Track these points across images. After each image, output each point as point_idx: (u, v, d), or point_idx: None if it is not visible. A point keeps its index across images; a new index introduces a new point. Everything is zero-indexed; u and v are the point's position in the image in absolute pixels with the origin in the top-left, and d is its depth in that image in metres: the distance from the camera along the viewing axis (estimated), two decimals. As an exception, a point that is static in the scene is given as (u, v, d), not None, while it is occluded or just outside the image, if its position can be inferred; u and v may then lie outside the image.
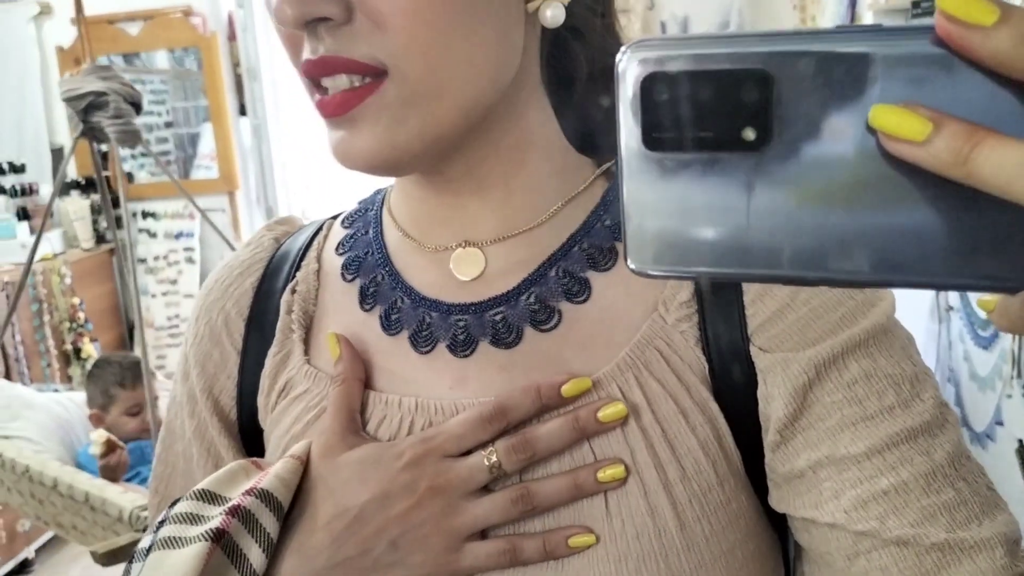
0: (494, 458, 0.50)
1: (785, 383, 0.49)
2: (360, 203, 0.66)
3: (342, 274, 0.61)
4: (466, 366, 0.54)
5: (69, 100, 1.89)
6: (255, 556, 0.49)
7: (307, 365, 0.58)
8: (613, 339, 0.53)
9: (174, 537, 0.49)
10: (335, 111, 0.48)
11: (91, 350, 3.54)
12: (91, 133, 1.95)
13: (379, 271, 0.59)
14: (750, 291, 0.51)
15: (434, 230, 0.57)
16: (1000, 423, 1.51)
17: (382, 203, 0.63)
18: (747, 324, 0.51)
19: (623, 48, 0.29)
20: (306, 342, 0.59)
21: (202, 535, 0.48)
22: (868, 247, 0.27)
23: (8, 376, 3.09)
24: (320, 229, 0.65)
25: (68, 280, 3.49)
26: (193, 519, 0.51)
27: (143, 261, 3.91)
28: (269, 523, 0.50)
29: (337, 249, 0.62)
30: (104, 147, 2.27)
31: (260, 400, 0.60)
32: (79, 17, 1.97)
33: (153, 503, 0.66)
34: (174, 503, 0.53)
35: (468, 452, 0.51)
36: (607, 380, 0.51)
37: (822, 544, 0.49)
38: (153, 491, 0.66)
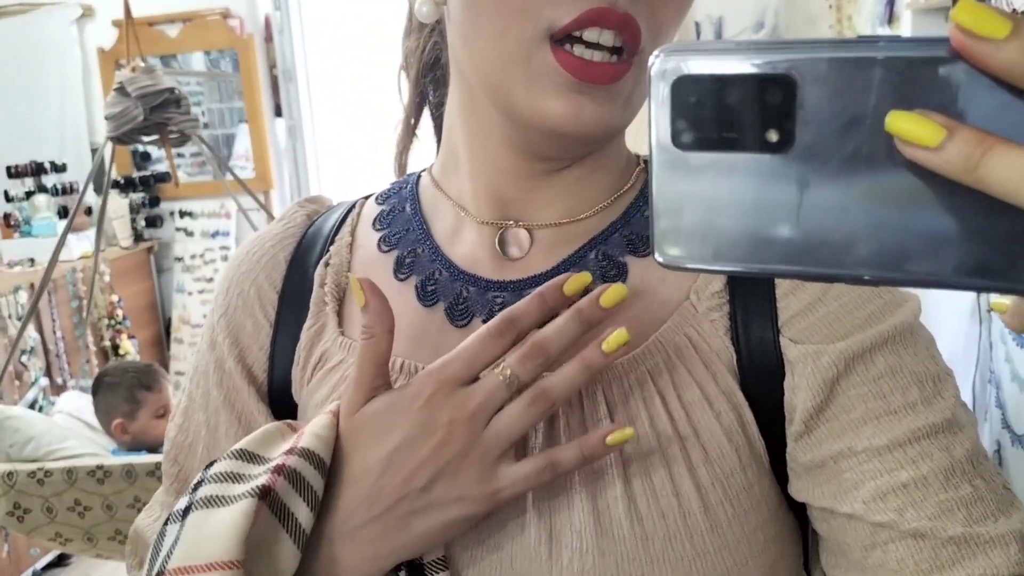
0: (508, 372, 0.48)
1: (815, 374, 0.50)
2: (393, 183, 0.67)
3: (378, 245, 0.61)
4: None
5: (143, 96, 1.92)
6: (303, 515, 0.47)
7: (341, 336, 0.59)
8: (644, 323, 0.54)
9: (217, 496, 0.48)
10: (600, 79, 0.48)
11: (129, 347, 3.59)
12: (156, 129, 1.99)
13: (419, 245, 0.60)
14: (782, 285, 0.52)
15: (493, 206, 0.58)
16: (1041, 425, 1.48)
17: (416, 181, 0.64)
18: (778, 316, 0.52)
19: (656, 52, 0.31)
20: (339, 314, 0.60)
21: (248, 492, 0.47)
22: (883, 246, 0.28)
23: (48, 371, 3.15)
24: (353, 207, 0.66)
25: (107, 278, 3.54)
26: (235, 478, 0.49)
27: (180, 259, 3.97)
28: (315, 481, 0.49)
29: (374, 224, 0.63)
30: (140, 147, 2.31)
31: (296, 373, 0.60)
32: (127, 20, 2.01)
33: (172, 472, 0.64)
34: (210, 465, 0.51)
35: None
36: (636, 363, 0.53)
37: (840, 534, 0.50)
38: (172, 460, 0.64)
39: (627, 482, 0.50)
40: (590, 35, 0.48)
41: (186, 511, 0.48)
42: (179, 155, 3.88)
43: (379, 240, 0.62)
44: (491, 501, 0.48)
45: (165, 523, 0.49)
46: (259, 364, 0.62)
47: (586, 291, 0.50)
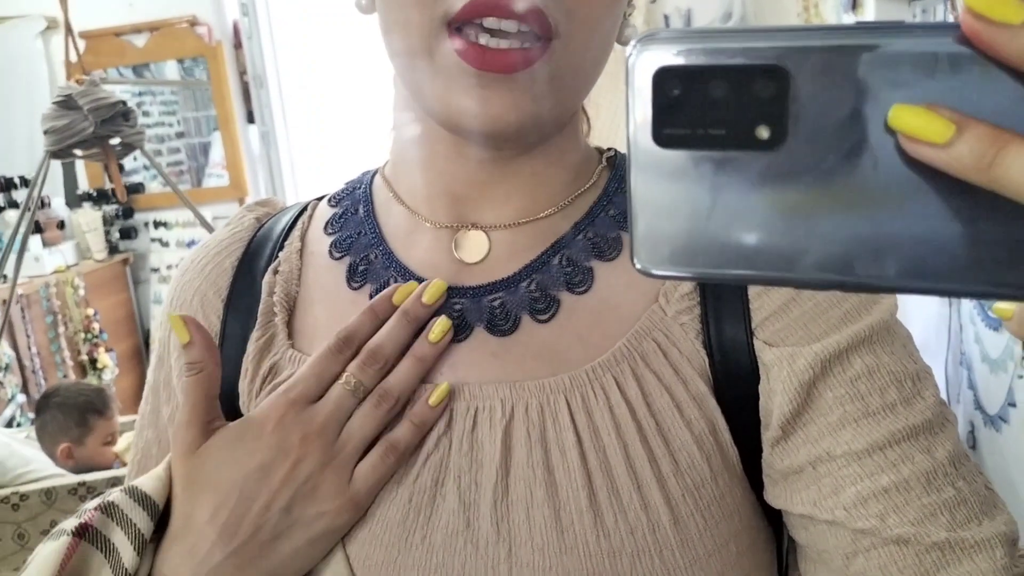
0: (352, 380, 0.50)
1: (790, 378, 0.48)
2: (347, 183, 0.64)
3: (330, 252, 0.59)
4: (457, 351, 0.53)
5: (96, 109, 1.90)
6: (125, 550, 0.47)
7: (291, 349, 0.56)
8: (611, 330, 0.52)
9: (61, 528, 0.48)
10: (503, 68, 0.46)
11: (107, 360, 3.56)
12: (97, 143, 1.96)
13: (372, 250, 0.57)
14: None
15: (443, 207, 0.56)
16: (1013, 404, 1.50)
17: (371, 182, 0.62)
18: (751, 318, 0.50)
19: (633, 42, 0.28)
20: (289, 325, 0.57)
21: (69, 530, 0.47)
22: (883, 252, 0.26)
23: (25, 388, 3.12)
24: (304, 210, 0.63)
25: (82, 291, 3.51)
26: (65, 529, 0.48)
27: (156, 270, 3.94)
28: (138, 517, 0.48)
29: (326, 228, 0.61)
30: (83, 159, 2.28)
31: (243, 385, 0.57)
32: (67, 33, 1.99)
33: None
34: (117, 486, 0.51)
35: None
36: (603, 370, 0.51)
37: (820, 541, 0.48)
38: (129, 478, 0.63)
39: (592, 495, 0.48)
40: (490, 22, 0.45)
41: (52, 533, 0.48)
42: (154, 165, 3.85)
43: (330, 245, 0.59)
44: (352, 507, 0.49)
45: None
46: None
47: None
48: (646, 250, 0.29)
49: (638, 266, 0.29)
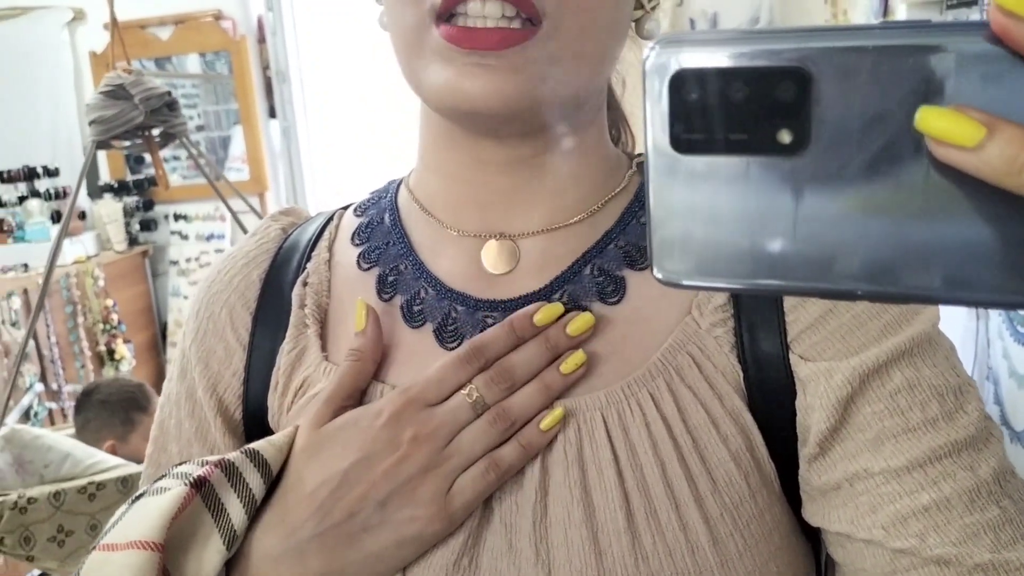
0: (475, 394, 0.49)
1: (828, 394, 0.47)
2: (372, 193, 0.63)
3: (358, 262, 0.58)
4: None
5: (147, 99, 1.91)
6: (235, 513, 0.47)
7: (325, 362, 0.55)
8: (645, 342, 0.51)
9: (163, 487, 0.48)
10: (488, 45, 0.45)
11: (124, 351, 3.57)
12: (137, 133, 1.97)
13: (401, 261, 0.57)
14: (790, 296, 0.49)
15: (470, 215, 0.55)
16: (1041, 422, 1.47)
17: (396, 191, 0.61)
18: (787, 331, 0.49)
19: (652, 44, 0.27)
20: (322, 337, 0.56)
21: (184, 481, 0.47)
22: (911, 260, 0.25)
23: (43, 377, 3.13)
24: (330, 219, 0.62)
25: (101, 282, 3.53)
26: (188, 477, 0.49)
27: (175, 263, 3.95)
28: (254, 481, 0.49)
29: (352, 239, 0.60)
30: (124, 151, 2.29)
31: (274, 400, 0.56)
32: (112, 24, 1.99)
33: None
34: (179, 464, 0.51)
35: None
36: (638, 386, 0.50)
37: (858, 560, 0.47)
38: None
39: (630, 516, 0.47)
40: (474, 8, 0.45)
41: (138, 497, 0.49)
42: (175, 158, 3.87)
43: (358, 256, 0.58)
44: (445, 518, 0.48)
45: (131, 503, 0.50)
46: (232, 390, 0.58)
47: (558, 318, 0.51)
48: (666, 259, 0.28)
49: (657, 275, 0.29)
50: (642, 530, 0.47)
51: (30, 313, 3.07)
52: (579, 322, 0.50)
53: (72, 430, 2.32)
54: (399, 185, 0.61)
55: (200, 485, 0.47)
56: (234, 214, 2.19)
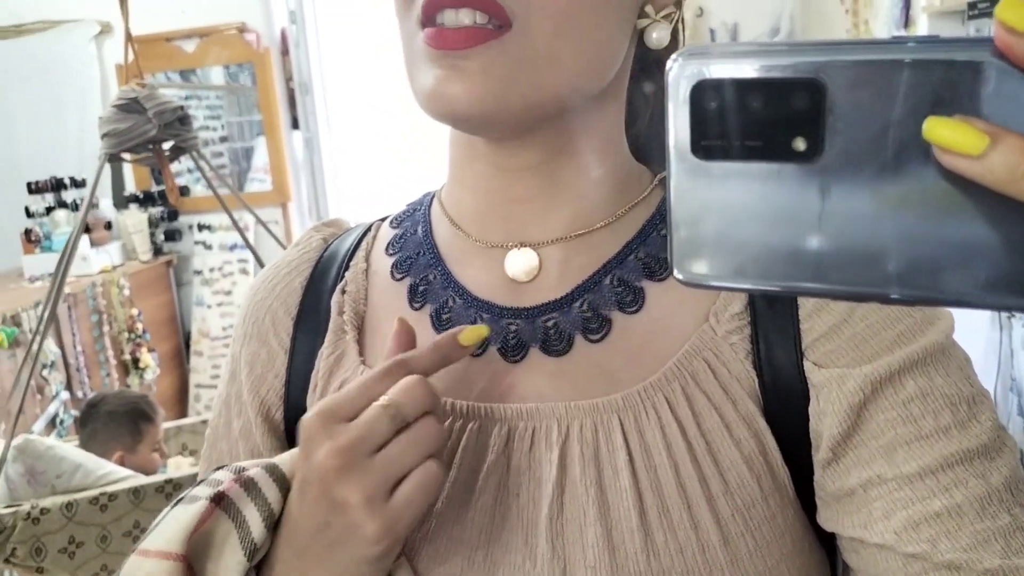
0: (387, 401, 0.47)
1: (840, 400, 0.48)
2: (408, 205, 0.66)
3: (391, 273, 0.60)
4: (515, 371, 0.54)
5: (160, 113, 1.93)
6: (255, 524, 0.48)
7: (363, 366, 0.57)
8: (662, 349, 0.52)
9: (195, 495, 0.50)
10: (455, 44, 0.47)
11: (149, 360, 3.61)
12: (149, 147, 2.00)
13: (431, 271, 0.58)
14: (806, 305, 0.50)
15: (492, 226, 0.57)
16: (1065, 433, 1.46)
17: (430, 203, 0.63)
18: (801, 338, 0.50)
19: (674, 55, 0.29)
20: (359, 343, 0.59)
21: (207, 496, 0.49)
22: (918, 263, 0.26)
23: (69, 385, 3.17)
24: (368, 231, 0.65)
25: (127, 292, 3.57)
26: (217, 485, 0.50)
27: (199, 273, 3.99)
28: (271, 493, 0.49)
29: (387, 250, 0.62)
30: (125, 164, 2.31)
31: (312, 401, 0.59)
32: (127, 40, 2.02)
33: None
34: (217, 468, 0.52)
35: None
36: (654, 390, 0.51)
37: (871, 565, 0.48)
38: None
39: (643, 514, 0.48)
40: (448, 18, 0.47)
41: (178, 501, 0.51)
42: (199, 169, 3.91)
43: (392, 266, 0.61)
44: (389, 533, 0.46)
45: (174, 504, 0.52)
46: (274, 391, 0.61)
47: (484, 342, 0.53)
48: (685, 260, 0.30)
49: (677, 276, 0.30)
50: (654, 528, 0.48)
51: (57, 322, 3.12)
52: (470, 333, 0.51)
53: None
54: (433, 198, 0.63)
55: (219, 500, 0.49)
56: (239, 228, 2.21)
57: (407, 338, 0.53)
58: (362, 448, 0.46)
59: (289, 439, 0.61)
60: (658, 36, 0.53)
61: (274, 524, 0.50)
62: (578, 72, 0.50)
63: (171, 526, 0.48)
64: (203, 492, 0.50)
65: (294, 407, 0.60)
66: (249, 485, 0.49)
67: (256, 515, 0.49)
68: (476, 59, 0.47)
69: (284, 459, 0.52)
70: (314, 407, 0.49)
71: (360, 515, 0.45)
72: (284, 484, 0.50)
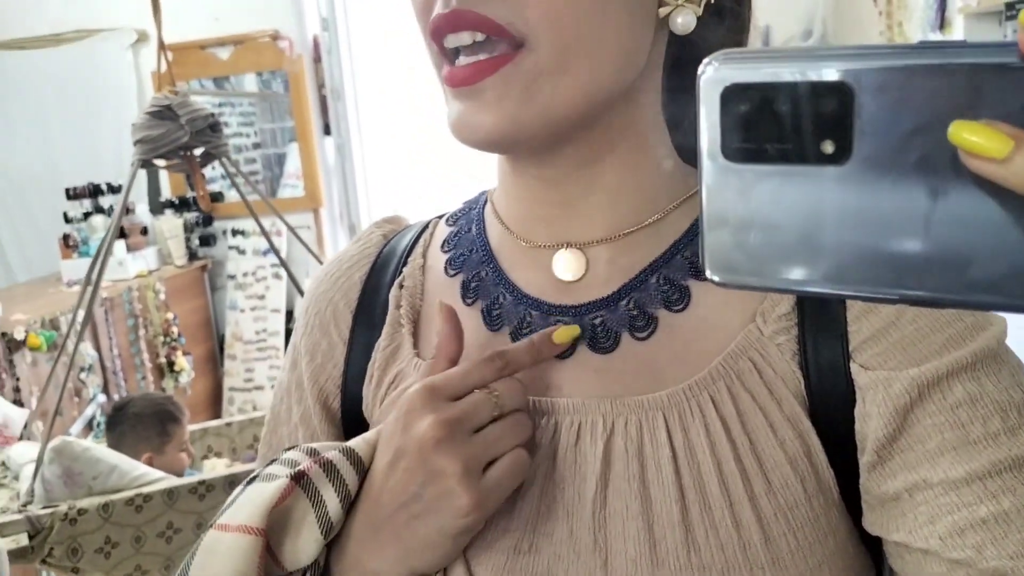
0: (496, 393, 0.51)
1: (886, 402, 0.48)
2: (465, 203, 0.67)
3: (445, 269, 0.62)
4: (563, 367, 0.55)
5: (193, 120, 1.96)
6: (332, 504, 0.50)
7: (416, 358, 0.59)
8: (708, 348, 0.53)
9: (271, 473, 0.52)
10: (464, 81, 0.49)
11: (184, 363, 3.66)
12: (180, 153, 2.03)
13: (483, 268, 0.60)
14: (854, 308, 0.50)
15: (538, 229, 0.58)
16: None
17: (485, 202, 0.65)
18: (849, 340, 0.50)
19: (706, 59, 0.29)
20: (415, 336, 0.61)
21: (287, 474, 0.51)
22: (949, 266, 0.27)
23: (106, 388, 3.22)
24: (426, 227, 0.67)
25: (162, 296, 3.62)
26: (293, 465, 0.53)
27: (233, 277, 4.04)
28: (349, 476, 0.52)
29: (443, 247, 0.64)
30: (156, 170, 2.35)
31: (368, 391, 0.61)
32: (159, 49, 2.05)
33: None
34: (288, 448, 0.55)
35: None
36: (699, 388, 0.51)
37: (915, 570, 0.48)
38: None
39: (685, 510, 0.49)
40: (450, 42, 0.49)
41: (252, 479, 0.53)
42: (228, 176, 3.95)
43: (446, 263, 0.62)
44: (479, 506, 0.48)
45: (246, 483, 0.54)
46: (332, 380, 0.63)
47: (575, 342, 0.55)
48: (717, 260, 0.30)
49: (710, 276, 0.31)
50: (696, 524, 0.49)
51: (94, 325, 3.17)
52: (563, 332, 0.54)
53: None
54: (487, 197, 0.65)
55: (299, 478, 0.50)
56: (266, 233, 2.23)
57: (455, 322, 0.55)
58: (465, 424, 0.49)
59: (345, 427, 0.63)
60: (683, 21, 0.51)
61: (350, 506, 0.52)
62: (596, 71, 0.49)
63: (251, 501, 0.50)
64: (280, 471, 0.52)
65: (351, 396, 0.62)
66: (328, 467, 0.51)
67: (334, 496, 0.51)
68: (491, 89, 0.48)
69: (359, 444, 0.53)
70: (418, 383, 0.52)
71: (456, 484, 0.48)
72: (360, 468, 0.52)
